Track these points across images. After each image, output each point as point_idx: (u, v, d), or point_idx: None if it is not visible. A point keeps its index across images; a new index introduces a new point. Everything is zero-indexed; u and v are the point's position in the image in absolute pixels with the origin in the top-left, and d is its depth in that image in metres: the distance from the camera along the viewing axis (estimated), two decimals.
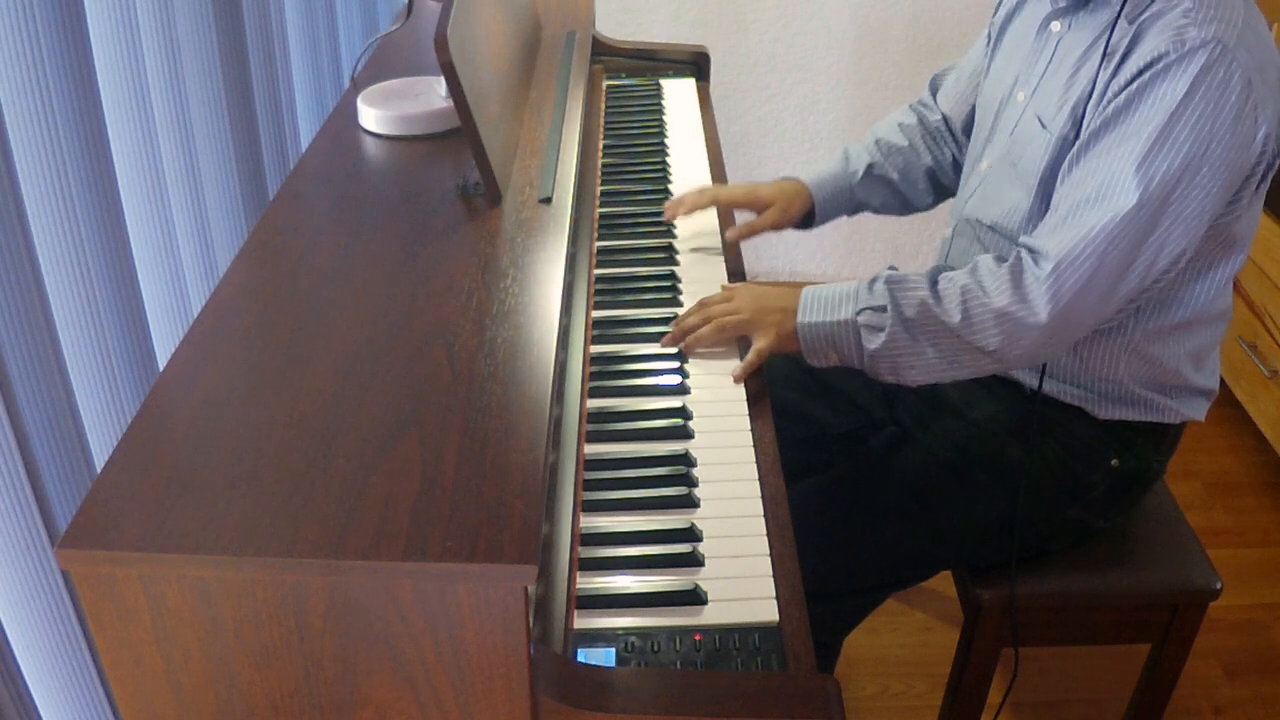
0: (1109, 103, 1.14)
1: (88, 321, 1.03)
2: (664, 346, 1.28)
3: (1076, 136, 1.19)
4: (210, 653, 0.81)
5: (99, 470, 0.85)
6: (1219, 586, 1.38)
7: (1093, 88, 1.18)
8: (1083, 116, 1.19)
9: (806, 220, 1.57)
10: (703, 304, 1.30)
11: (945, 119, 1.58)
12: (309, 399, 0.91)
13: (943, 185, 1.60)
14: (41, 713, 0.98)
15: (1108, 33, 1.17)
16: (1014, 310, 1.15)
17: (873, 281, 1.22)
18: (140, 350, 1.13)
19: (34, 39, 0.92)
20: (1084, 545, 1.41)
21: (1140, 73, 1.11)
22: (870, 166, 1.55)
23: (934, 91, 1.60)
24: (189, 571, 0.78)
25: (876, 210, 1.60)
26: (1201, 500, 2.27)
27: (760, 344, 1.25)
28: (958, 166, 1.57)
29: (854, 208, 1.59)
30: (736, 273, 1.45)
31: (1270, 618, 2.00)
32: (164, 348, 1.19)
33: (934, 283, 1.20)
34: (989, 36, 1.48)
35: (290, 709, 0.84)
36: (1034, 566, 1.38)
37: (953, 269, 1.23)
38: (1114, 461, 1.33)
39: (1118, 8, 1.17)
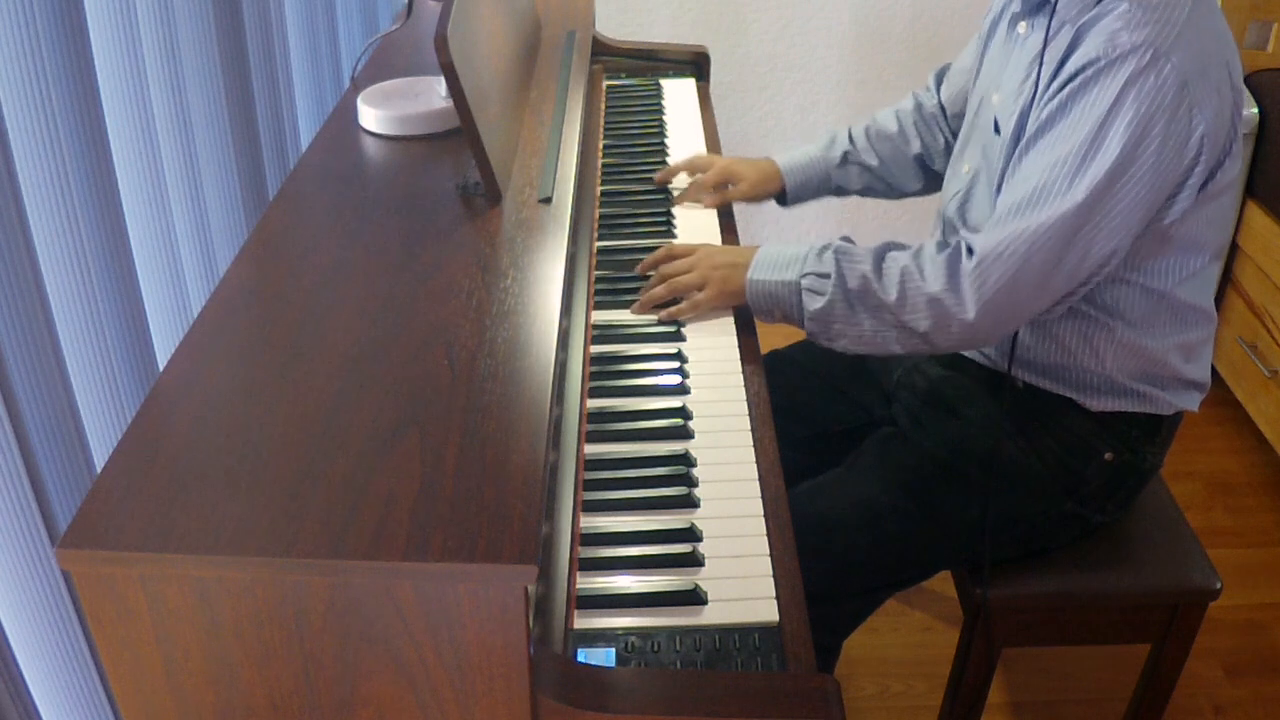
0: (1044, 106, 1.17)
1: (88, 321, 1.03)
2: (633, 313, 1.33)
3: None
4: (210, 653, 0.81)
5: (99, 470, 0.85)
6: (1219, 586, 1.38)
7: (1035, 91, 1.21)
8: (1027, 119, 1.22)
9: (781, 199, 1.65)
10: (668, 253, 1.36)
11: (942, 107, 1.61)
12: (309, 399, 0.91)
13: (933, 171, 1.64)
14: (41, 713, 0.98)
15: (1044, 34, 1.20)
16: (944, 298, 1.19)
17: (824, 248, 1.27)
18: (140, 350, 1.13)
19: (34, 39, 0.92)
20: (1084, 541, 1.41)
21: (1073, 76, 1.14)
22: (846, 154, 1.63)
23: (939, 79, 1.63)
24: (189, 571, 0.78)
25: (860, 193, 1.67)
26: (1201, 500, 2.27)
27: (701, 295, 1.30)
28: (949, 152, 1.60)
29: (835, 190, 1.66)
30: None
31: (1270, 618, 2.00)
32: (164, 348, 1.19)
33: (879, 259, 1.25)
34: (981, 35, 1.48)
35: (290, 709, 0.84)
36: (1034, 566, 1.38)
37: (903, 247, 1.27)
38: (1108, 455, 1.34)
39: (1052, 9, 1.20)
